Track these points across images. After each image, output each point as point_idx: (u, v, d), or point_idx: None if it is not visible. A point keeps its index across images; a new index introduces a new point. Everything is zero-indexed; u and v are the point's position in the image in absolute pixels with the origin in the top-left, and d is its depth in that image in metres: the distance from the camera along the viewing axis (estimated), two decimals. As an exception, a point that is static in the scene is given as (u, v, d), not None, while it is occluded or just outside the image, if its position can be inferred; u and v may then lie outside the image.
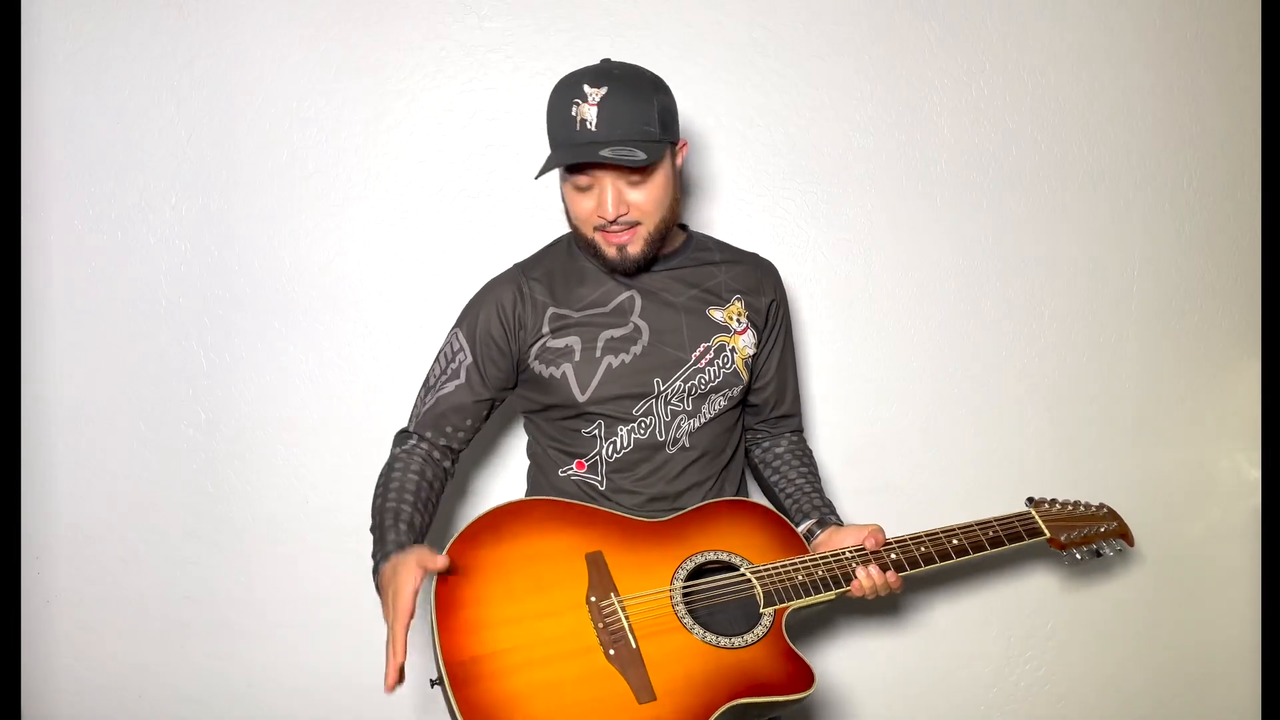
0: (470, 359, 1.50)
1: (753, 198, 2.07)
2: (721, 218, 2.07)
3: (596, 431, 1.50)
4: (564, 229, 1.57)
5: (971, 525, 1.54)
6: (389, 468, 1.49)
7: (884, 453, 2.15)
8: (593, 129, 1.35)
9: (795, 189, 2.08)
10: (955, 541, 1.50)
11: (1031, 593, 2.24)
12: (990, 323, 2.16)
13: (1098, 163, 2.18)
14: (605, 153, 1.33)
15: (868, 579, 1.42)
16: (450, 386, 1.50)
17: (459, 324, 1.54)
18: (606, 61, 1.44)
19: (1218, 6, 2.21)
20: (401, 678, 1.23)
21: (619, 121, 1.35)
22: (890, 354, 2.13)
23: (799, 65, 2.05)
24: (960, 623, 2.22)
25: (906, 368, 2.14)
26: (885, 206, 2.11)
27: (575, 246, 1.54)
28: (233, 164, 1.93)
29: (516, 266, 1.56)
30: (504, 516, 1.40)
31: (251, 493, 2.00)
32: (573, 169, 1.39)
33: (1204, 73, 2.22)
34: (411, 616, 1.24)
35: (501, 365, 1.51)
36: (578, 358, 1.47)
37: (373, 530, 1.41)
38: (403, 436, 1.55)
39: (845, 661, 2.19)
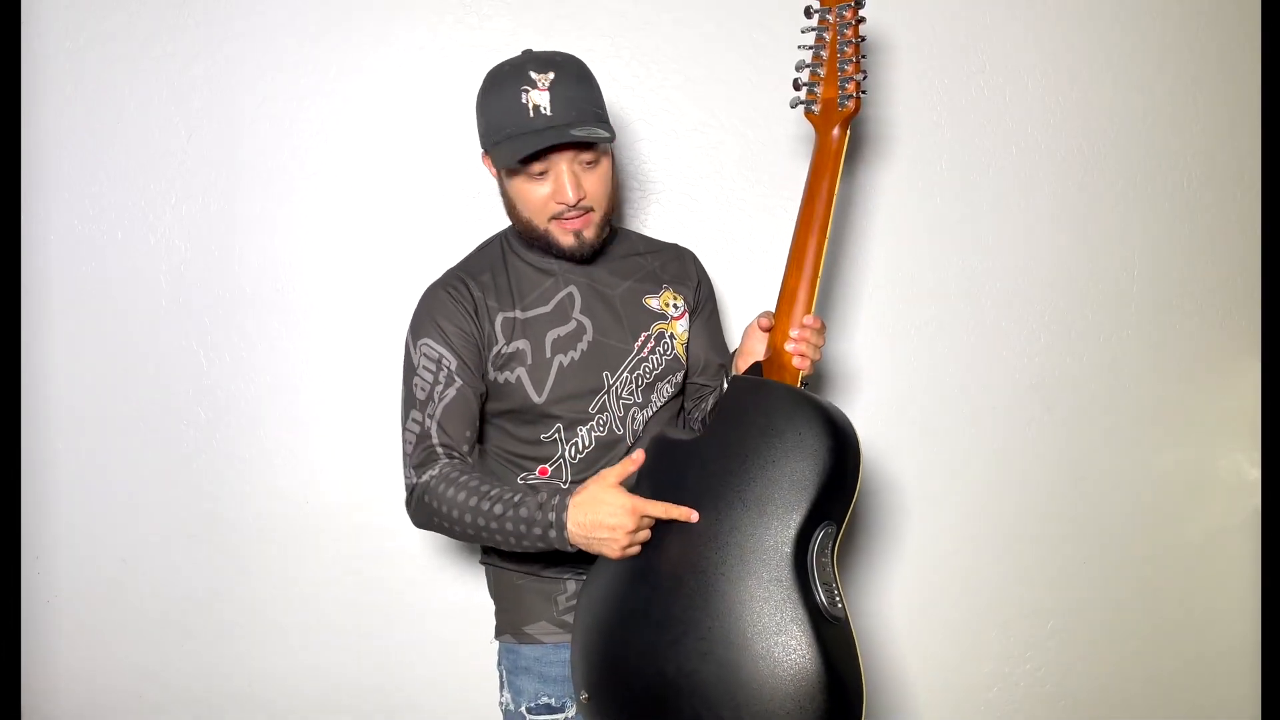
0: (456, 360, 1.44)
1: (754, 198, 2.06)
2: (721, 218, 2.05)
3: (557, 435, 1.48)
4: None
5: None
6: (437, 497, 1.34)
7: (884, 453, 2.14)
8: (548, 113, 1.34)
9: (797, 191, 2.03)
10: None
11: (1031, 592, 2.24)
12: (990, 322, 2.16)
13: (1098, 162, 2.18)
14: (577, 132, 1.31)
15: (800, 353, 1.38)
16: (451, 393, 1.43)
17: (424, 335, 1.45)
18: (529, 51, 1.41)
19: (1217, 6, 2.20)
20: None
21: (573, 103, 1.35)
22: (890, 354, 2.13)
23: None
24: (960, 622, 2.22)
25: (906, 368, 2.14)
26: (885, 208, 2.10)
27: (512, 246, 1.52)
28: (233, 164, 1.92)
29: (458, 271, 1.52)
30: None
31: (252, 493, 1.99)
32: (527, 158, 1.36)
33: (1204, 70, 2.21)
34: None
35: (480, 360, 1.47)
36: (529, 360, 1.46)
37: (495, 526, 1.30)
38: (422, 469, 1.39)
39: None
